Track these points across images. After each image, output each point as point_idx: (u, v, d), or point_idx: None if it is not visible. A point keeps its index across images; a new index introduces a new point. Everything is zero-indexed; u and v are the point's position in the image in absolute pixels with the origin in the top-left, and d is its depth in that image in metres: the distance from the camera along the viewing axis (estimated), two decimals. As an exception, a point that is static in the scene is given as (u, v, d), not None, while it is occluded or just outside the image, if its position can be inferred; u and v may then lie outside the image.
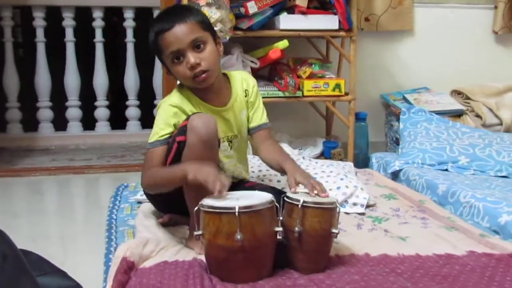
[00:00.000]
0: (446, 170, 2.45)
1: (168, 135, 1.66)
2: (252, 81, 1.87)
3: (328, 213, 1.45)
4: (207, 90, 1.72)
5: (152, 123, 1.76)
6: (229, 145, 1.79)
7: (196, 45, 1.64)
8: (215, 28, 2.13)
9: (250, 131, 1.87)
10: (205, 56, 1.65)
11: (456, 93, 3.20)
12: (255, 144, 1.89)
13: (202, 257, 1.49)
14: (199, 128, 1.55)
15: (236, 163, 1.84)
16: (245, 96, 1.83)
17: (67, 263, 1.72)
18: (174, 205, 1.78)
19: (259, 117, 1.87)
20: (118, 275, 1.37)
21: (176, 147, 1.62)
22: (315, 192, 1.51)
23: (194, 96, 1.73)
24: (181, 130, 1.61)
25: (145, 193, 1.92)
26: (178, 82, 1.79)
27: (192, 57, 1.63)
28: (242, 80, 1.85)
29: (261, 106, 1.89)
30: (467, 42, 3.40)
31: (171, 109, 1.69)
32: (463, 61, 3.39)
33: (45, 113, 3.94)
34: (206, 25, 1.70)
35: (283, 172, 1.73)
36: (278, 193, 1.58)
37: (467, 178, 2.31)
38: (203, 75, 1.66)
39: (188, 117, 1.62)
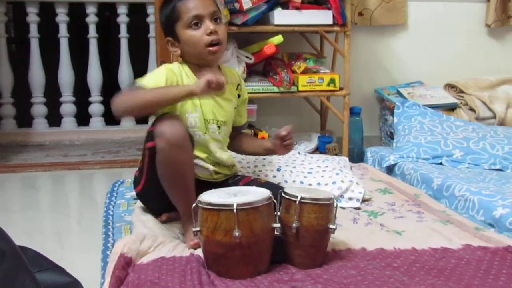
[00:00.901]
0: (441, 163, 2.47)
1: (148, 84, 1.69)
2: (239, 75, 1.99)
3: (325, 209, 1.46)
4: (205, 71, 1.74)
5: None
6: (218, 128, 1.82)
7: (215, 18, 1.74)
8: None
9: (241, 127, 1.98)
10: (221, 29, 1.75)
11: (450, 86, 3.22)
12: (238, 138, 1.98)
13: (200, 253, 1.50)
14: (166, 133, 1.58)
15: (224, 147, 1.88)
16: (236, 89, 1.90)
17: (64, 259, 1.72)
18: (164, 206, 1.78)
19: (244, 116, 1.98)
20: (116, 271, 1.37)
21: (148, 154, 1.67)
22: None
23: (192, 74, 1.78)
24: (149, 136, 1.65)
25: (137, 196, 1.92)
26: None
27: (212, 25, 1.72)
28: (236, 74, 1.95)
29: (245, 108, 2.00)
30: (460, 36, 3.41)
31: (167, 69, 1.75)
32: (457, 55, 3.40)
33: (39, 109, 3.93)
34: (218, 4, 1.83)
35: (267, 150, 1.89)
36: (275, 188, 1.59)
37: (462, 172, 2.33)
38: (216, 47, 1.74)
39: (155, 121, 1.64)
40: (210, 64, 1.79)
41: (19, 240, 1.28)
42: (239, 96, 1.93)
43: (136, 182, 1.87)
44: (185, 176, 1.63)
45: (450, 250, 1.58)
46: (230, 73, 1.93)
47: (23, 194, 2.75)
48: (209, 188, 1.55)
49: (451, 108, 3.06)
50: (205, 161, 1.82)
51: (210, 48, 1.74)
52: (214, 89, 1.55)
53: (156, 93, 1.63)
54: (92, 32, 3.95)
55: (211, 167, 1.83)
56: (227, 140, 1.92)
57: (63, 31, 3.90)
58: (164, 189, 1.67)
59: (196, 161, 1.78)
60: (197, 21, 1.72)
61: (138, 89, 1.67)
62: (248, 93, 2.62)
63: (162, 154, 1.60)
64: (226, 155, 1.88)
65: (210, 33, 1.72)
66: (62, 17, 3.88)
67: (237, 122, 1.96)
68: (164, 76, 1.72)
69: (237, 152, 2.01)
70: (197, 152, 1.79)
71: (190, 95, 1.60)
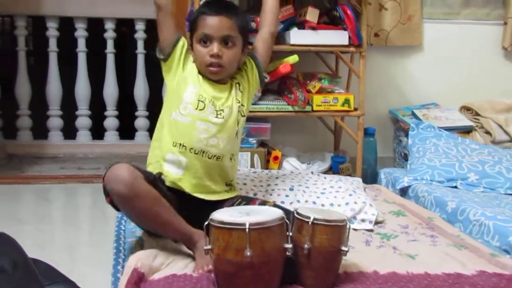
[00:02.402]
0: (455, 187, 2.45)
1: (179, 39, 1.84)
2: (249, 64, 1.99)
3: (337, 231, 1.45)
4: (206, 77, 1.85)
5: None
6: (217, 112, 1.81)
7: (225, 41, 1.79)
8: None
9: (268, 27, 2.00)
10: (228, 53, 1.79)
11: (465, 109, 3.20)
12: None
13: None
14: (114, 189, 1.58)
15: (221, 137, 1.82)
16: (231, 79, 1.92)
17: (75, 272, 1.73)
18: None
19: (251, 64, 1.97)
20: (129, 286, 1.37)
21: (113, 206, 1.69)
22: None
23: (197, 73, 1.86)
24: (104, 191, 1.66)
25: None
26: None
27: (216, 48, 1.77)
28: (244, 68, 1.98)
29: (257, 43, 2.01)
30: (476, 58, 3.40)
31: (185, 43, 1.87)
32: (472, 77, 3.38)
33: (55, 122, 3.96)
34: (243, 30, 1.84)
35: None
36: (288, 211, 1.58)
37: (477, 196, 2.30)
38: (215, 69, 1.79)
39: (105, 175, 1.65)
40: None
41: (31, 251, 1.29)
42: (239, 84, 1.92)
43: None
44: (157, 216, 1.61)
45: (464, 275, 1.55)
46: (240, 77, 1.94)
47: (36, 206, 2.77)
48: (214, 208, 1.54)
49: (466, 131, 3.04)
50: (176, 153, 1.78)
51: (210, 68, 1.80)
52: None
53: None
54: (110, 47, 4.00)
55: (182, 158, 1.78)
56: (232, 137, 1.86)
57: (81, 45, 3.95)
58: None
59: (169, 156, 1.78)
60: (206, 39, 1.78)
61: None
62: (263, 111, 2.66)
63: (122, 209, 1.65)
64: (216, 144, 1.81)
65: (212, 56, 1.77)
66: (81, 32, 3.93)
67: (266, 33, 1.99)
68: (176, 39, 1.85)
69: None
70: (169, 144, 1.79)
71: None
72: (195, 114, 1.80)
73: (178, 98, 1.83)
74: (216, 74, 1.82)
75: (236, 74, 1.93)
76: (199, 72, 1.85)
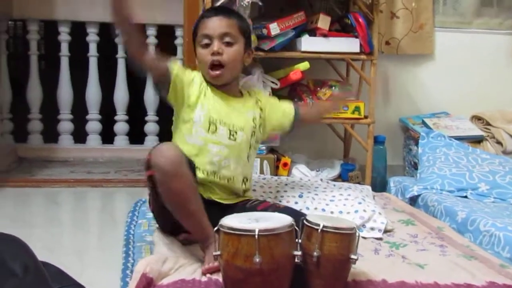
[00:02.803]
0: (466, 197, 2.43)
1: (172, 65, 1.77)
2: (258, 90, 2.04)
3: (347, 239, 1.45)
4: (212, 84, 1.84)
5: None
6: (230, 134, 1.80)
7: (225, 39, 1.78)
8: None
9: (295, 119, 1.99)
10: (228, 51, 1.78)
11: (476, 118, 3.19)
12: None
13: (219, 277, 1.49)
14: (160, 164, 1.58)
15: (234, 161, 1.82)
16: (256, 103, 1.91)
17: (84, 276, 1.74)
18: (176, 227, 1.77)
19: (289, 106, 1.99)
20: (137, 291, 1.38)
21: (149, 182, 1.68)
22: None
23: (210, 91, 1.84)
24: (147, 164, 1.65)
25: (152, 212, 1.92)
26: None
27: (216, 45, 1.77)
28: (255, 93, 1.97)
29: (278, 105, 2.00)
30: (487, 67, 3.39)
31: (190, 71, 1.85)
32: (484, 86, 3.37)
33: (65, 125, 3.99)
34: (243, 30, 1.83)
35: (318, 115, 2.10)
36: (295, 214, 1.58)
37: (487, 206, 2.29)
38: (217, 72, 1.77)
39: (151, 151, 1.65)
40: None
41: (40, 255, 1.30)
42: (261, 109, 1.92)
43: (149, 202, 1.88)
44: (188, 203, 1.61)
45: (474, 286, 1.54)
46: (249, 97, 1.93)
47: (46, 209, 2.78)
48: (224, 212, 1.54)
49: (477, 140, 3.03)
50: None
51: (211, 72, 1.78)
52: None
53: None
54: (121, 52, 4.02)
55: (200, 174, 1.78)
56: (244, 159, 1.85)
57: (93, 50, 3.97)
58: (167, 214, 1.67)
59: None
60: (207, 41, 1.78)
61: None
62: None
63: (160, 185, 1.61)
64: (231, 170, 1.82)
65: (213, 54, 1.76)
66: (92, 37, 3.96)
67: (285, 124, 2.00)
68: (183, 71, 1.82)
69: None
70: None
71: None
72: (207, 137, 1.79)
73: (189, 121, 1.82)
74: (219, 78, 1.79)
75: (259, 93, 1.95)
76: (207, 83, 1.83)
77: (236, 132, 1.81)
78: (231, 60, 1.79)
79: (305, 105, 2.12)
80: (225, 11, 1.87)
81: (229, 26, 1.79)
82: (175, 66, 1.79)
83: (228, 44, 1.78)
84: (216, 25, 1.78)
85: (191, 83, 1.82)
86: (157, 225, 1.99)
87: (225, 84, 1.85)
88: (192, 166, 1.70)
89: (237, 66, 1.84)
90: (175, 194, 1.59)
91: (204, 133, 1.79)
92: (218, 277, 1.50)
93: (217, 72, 1.78)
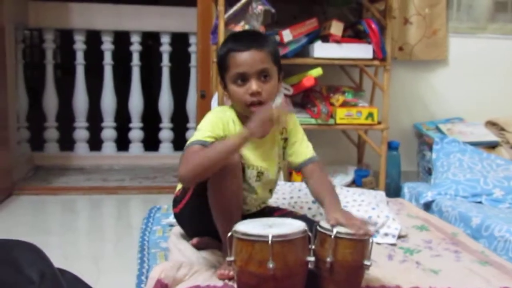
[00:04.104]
0: (480, 202, 2.42)
1: (208, 138, 1.63)
2: (290, 117, 1.83)
3: (360, 245, 1.45)
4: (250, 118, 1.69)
5: (184, 146, 1.76)
6: (257, 175, 1.76)
7: (262, 75, 1.66)
8: None
9: (298, 166, 1.83)
10: (267, 88, 1.66)
11: (491, 124, 3.17)
12: (305, 179, 1.85)
13: (234, 283, 1.50)
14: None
15: (256, 199, 1.81)
16: (281, 134, 1.81)
17: (100, 282, 1.76)
18: (200, 228, 1.79)
19: (304, 152, 1.82)
20: (153, 297, 1.39)
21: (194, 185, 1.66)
22: (360, 232, 1.45)
23: (238, 120, 1.73)
24: None
25: (175, 217, 1.93)
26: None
27: (255, 85, 1.64)
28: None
29: (304, 140, 1.85)
30: (501, 73, 3.37)
31: (217, 118, 1.70)
32: (498, 92, 3.36)
33: (81, 133, 4.03)
34: (276, 58, 1.72)
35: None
36: (312, 223, 1.58)
37: (502, 212, 2.28)
38: (258, 107, 1.66)
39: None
40: None
41: (57, 262, 1.32)
42: (286, 139, 1.83)
43: (176, 202, 1.84)
44: (232, 205, 1.61)
45: (489, 292, 1.54)
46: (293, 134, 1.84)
47: (62, 217, 2.82)
48: (243, 218, 1.55)
49: (491, 146, 3.01)
50: None
51: (252, 108, 1.67)
52: (267, 128, 1.52)
53: (217, 151, 1.55)
54: (136, 60, 4.06)
55: None
56: (265, 193, 1.83)
57: (108, 58, 4.02)
58: (201, 214, 1.67)
59: None
60: (242, 79, 1.66)
61: (189, 150, 1.61)
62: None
63: (215, 179, 1.57)
64: (256, 203, 1.83)
65: (252, 94, 1.65)
66: (107, 45, 4.00)
67: (293, 163, 1.83)
68: (220, 125, 1.68)
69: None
70: None
71: (245, 141, 1.54)
72: None
73: None
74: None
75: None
76: (238, 116, 1.74)
77: (262, 173, 1.77)
78: (270, 96, 1.69)
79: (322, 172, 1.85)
80: (256, 41, 1.69)
81: (264, 61, 1.66)
82: (209, 139, 1.65)
83: (265, 79, 1.67)
84: (251, 62, 1.64)
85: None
86: (172, 232, 2.01)
87: None
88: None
89: (274, 98, 1.75)
90: (226, 192, 1.58)
91: None
92: (233, 283, 1.51)
93: (256, 108, 1.67)
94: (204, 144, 1.61)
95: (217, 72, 1.80)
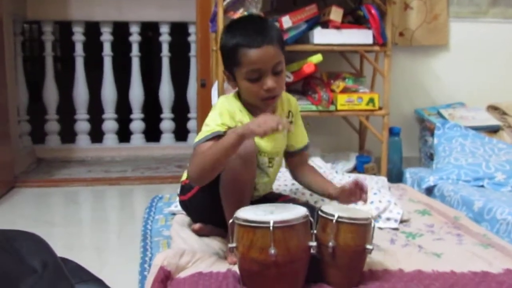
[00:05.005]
0: (482, 186, 2.42)
1: (215, 133, 1.62)
2: (294, 101, 1.86)
3: (362, 229, 1.45)
4: (257, 107, 1.70)
5: (185, 136, 1.76)
6: (269, 161, 1.77)
7: (277, 69, 1.63)
8: None
9: (297, 151, 1.86)
10: (280, 81, 1.65)
11: (492, 108, 3.16)
12: (291, 166, 1.89)
13: (236, 268, 1.51)
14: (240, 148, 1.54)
15: (267, 183, 1.82)
16: (287, 117, 1.82)
17: (103, 272, 1.76)
18: (209, 217, 1.80)
19: (300, 140, 1.86)
20: (156, 284, 1.40)
21: None
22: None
23: (244, 109, 1.72)
24: None
25: (180, 204, 1.94)
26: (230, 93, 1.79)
27: (271, 81, 1.61)
28: (286, 100, 1.84)
29: (302, 127, 1.87)
30: (503, 57, 3.35)
31: (225, 112, 1.67)
32: (499, 76, 3.34)
33: (82, 126, 4.03)
34: (283, 45, 1.69)
35: (328, 196, 1.76)
36: (311, 208, 1.58)
37: (504, 195, 2.27)
38: (271, 102, 1.67)
39: (224, 134, 1.60)
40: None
41: (60, 253, 1.32)
42: (291, 122, 1.82)
43: (185, 190, 1.83)
44: (244, 194, 1.61)
45: (491, 274, 1.54)
46: (281, 103, 1.82)
47: (65, 208, 2.82)
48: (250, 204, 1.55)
49: (493, 130, 3.00)
50: None
51: (266, 101, 1.66)
52: (268, 131, 1.46)
53: (215, 152, 1.53)
54: (135, 51, 4.05)
55: None
56: (277, 171, 1.85)
57: (107, 49, 4.01)
58: (211, 203, 1.66)
59: None
60: (257, 76, 1.62)
61: (199, 148, 1.61)
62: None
63: (230, 166, 1.56)
64: (267, 189, 1.84)
65: (268, 90, 1.62)
66: (106, 36, 3.99)
67: (291, 147, 1.85)
68: (227, 116, 1.66)
69: (299, 183, 1.93)
70: None
71: (243, 139, 1.48)
72: None
73: None
74: (271, 104, 1.70)
75: (293, 103, 1.84)
76: (244, 106, 1.71)
77: (273, 158, 1.78)
78: (282, 87, 1.69)
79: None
80: (266, 34, 1.62)
81: (277, 54, 1.63)
82: (222, 127, 1.64)
83: (279, 73, 1.64)
84: (265, 58, 1.60)
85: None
86: (174, 220, 2.01)
87: None
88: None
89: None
90: (240, 180, 1.58)
91: None
92: (236, 269, 1.51)
93: (272, 101, 1.68)
94: (210, 139, 1.61)
95: (221, 62, 1.75)
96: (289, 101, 1.85)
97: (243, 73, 1.63)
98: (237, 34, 1.64)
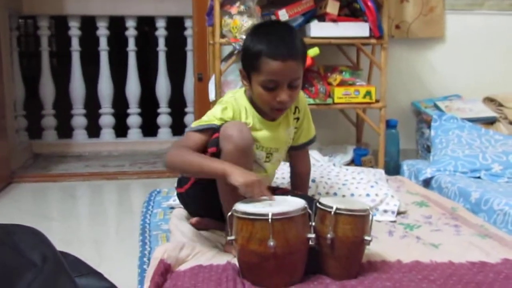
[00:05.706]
0: (479, 177, 2.43)
1: (210, 125, 1.64)
2: (302, 97, 1.85)
3: (360, 220, 1.46)
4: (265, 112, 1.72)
5: (182, 130, 1.78)
6: (266, 156, 1.77)
7: (292, 83, 1.63)
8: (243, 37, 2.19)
9: (302, 145, 1.88)
10: (294, 95, 1.66)
11: (489, 100, 3.16)
12: (291, 157, 1.92)
13: (235, 261, 1.51)
14: (234, 137, 1.56)
15: (266, 176, 1.82)
16: (294, 113, 1.82)
17: (102, 265, 1.76)
18: (206, 208, 1.80)
19: (305, 135, 1.87)
20: (156, 277, 1.40)
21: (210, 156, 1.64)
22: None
23: (250, 105, 1.73)
24: (213, 141, 1.62)
25: (178, 197, 1.94)
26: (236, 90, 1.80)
27: (285, 95, 1.62)
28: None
29: (310, 123, 1.88)
30: (499, 49, 3.36)
31: (229, 107, 1.69)
32: (496, 68, 3.35)
33: (79, 120, 4.03)
34: (305, 60, 1.70)
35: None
36: (310, 200, 1.59)
37: (501, 186, 2.28)
38: (282, 111, 1.70)
39: (219, 128, 1.62)
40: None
41: (59, 247, 1.31)
42: (298, 119, 1.84)
43: (181, 182, 1.85)
44: None
45: (489, 264, 1.55)
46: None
47: (62, 203, 2.82)
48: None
49: (490, 122, 3.01)
50: None
51: (276, 111, 1.69)
52: (247, 195, 1.48)
53: (199, 163, 1.56)
54: (132, 45, 4.04)
55: None
56: (276, 165, 1.86)
57: (103, 44, 4.00)
58: (207, 195, 1.67)
59: None
60: (273, 86, 1.62)
61: (188, 136, 1.64)
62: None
63: (227, 156, 1.56)
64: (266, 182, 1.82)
65: (280, 102, 1.63)
66: (102, 31, 3.98)
67: (294, 142, 1.87)
68: (230, 112, 1.68)
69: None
70: None
71: (226, 177, 1.49)
72: None
73: None
74: (281, 114, 1.73)
75: (301, 99, 1.83)
76: (251, 105, 1.72)
77: (271, 153, 1.78)
78: (294, 100, 1.70)
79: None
80: (293, 48, 1.62)
81: (297, 70, 1.64)
82: (219, 122, 1.66)
83: (294, 87, 1.65)
84: (286, 71, 1.60)
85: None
86: (172, 214, 2.02)
87: None
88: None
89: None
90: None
91: None
92: (236, 261, 1.52)
93: (281, 112, 1.71)
94: (202, 131, 1.63)
95: (240, 59, 1.74)
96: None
97: (260, 80, 1.63)
98: (264, 41, 1.62)
